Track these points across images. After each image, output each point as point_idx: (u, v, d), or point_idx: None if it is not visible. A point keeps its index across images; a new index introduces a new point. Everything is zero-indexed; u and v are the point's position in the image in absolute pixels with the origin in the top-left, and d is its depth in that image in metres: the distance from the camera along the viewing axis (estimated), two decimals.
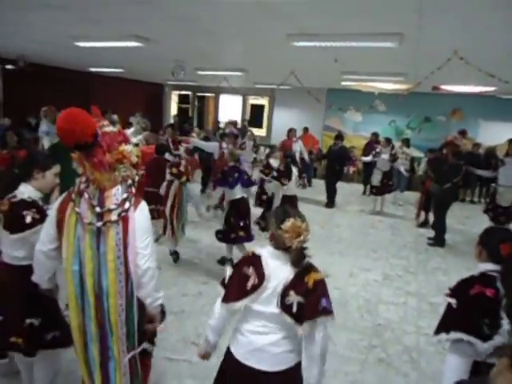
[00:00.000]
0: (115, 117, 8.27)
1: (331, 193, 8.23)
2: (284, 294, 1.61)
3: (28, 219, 2.05)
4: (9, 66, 8.89)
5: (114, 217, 1.66)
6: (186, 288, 4.08)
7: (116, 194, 1.70)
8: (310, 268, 1.68)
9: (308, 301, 1.59)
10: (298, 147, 8.15)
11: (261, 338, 1.67)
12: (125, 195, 1.71)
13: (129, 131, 5.74)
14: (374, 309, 3.96)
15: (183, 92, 15.47)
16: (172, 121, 11.90)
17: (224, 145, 6.28)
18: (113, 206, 1.67)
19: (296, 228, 1.64)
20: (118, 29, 4.87)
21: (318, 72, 7.69)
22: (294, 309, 1.59)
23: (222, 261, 4.65)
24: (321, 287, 1.63)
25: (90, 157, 1.67)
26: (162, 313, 1.96)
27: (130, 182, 1.76)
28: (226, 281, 1.79)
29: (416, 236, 6.57)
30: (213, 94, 14.77)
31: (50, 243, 1.77)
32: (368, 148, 9.33)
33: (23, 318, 2.12)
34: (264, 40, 5.05)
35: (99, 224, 1.65)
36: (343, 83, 8.80)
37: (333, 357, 3.10)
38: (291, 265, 1.66)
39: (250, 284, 1.65)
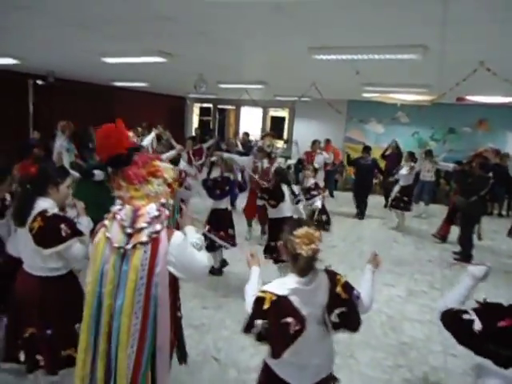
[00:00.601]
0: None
1: (364, 205, 8.26)
2: (328, 313, 1.64)
3: (63, 233, 2.11)
4: (39, 82, 9.25)
5: (143, 238, 1.61)
6: (206, 301, 4.06)
7: (149, 213, 1.66)
8: (333, 276, 1.70)
9: (348, 307, 1.66)
10: (321, 159, 8.05)
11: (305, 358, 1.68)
12: (157, 213, 1.66)
13: (146, 140, 5.84)
14: (399, 326, 3.84)
15: (205, 105, 15.72)
16: (193, 133, 12.07)
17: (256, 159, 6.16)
18: (144, 225, 1.63)
19: (309, 235, 1.60)
20: (143, 45, 5.00)
21: (338, 84, 7.67)
22: (337, 319, 1.63)
23: (212, 271, 4.55)
24: (349, 289, 1.69)
25: (124, 172, 1.71)
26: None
27: (163, 200, 1.73)
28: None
29: (441, 250, 6.38)
30: (234, 107, 14.93)
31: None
32: (390, 158, 9.19)
33: (43, 329, 2.17)
34: (285, 53, 5.08)
35: (128, 247, 1.61)
36: (364, 95, 8.73)
37: (355, 376, 3.02)
38: (297, 274, 1.63)
39: (292, 330, 1.57)
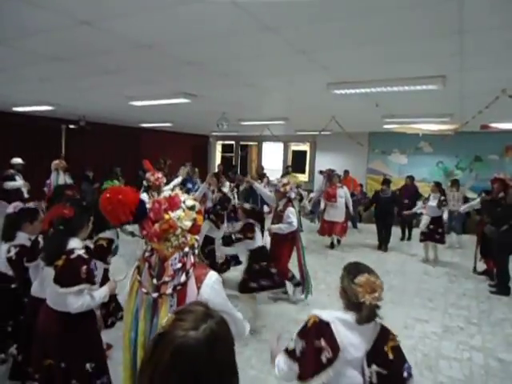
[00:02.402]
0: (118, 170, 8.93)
1: (386, 237, 8.10)
2: (368, 364, 1.55)
3: (82, 275, 2.19)
4: (71, 126, 9.80)
5: (168, 290, 1.58)
6: None
7: (172, 265, 1.61)
8: (387, 334, 1.63)
9: (392, 373, 1.54)
10: (342, 193, 8.02)
11: None
12: (178, 265, 1.60)
13: (175, 181, 5.96)
14: (435, 365, 3.62)
15: (227, 142, 16.12)
16: (216, 169, 12.32)
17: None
18: (167, 279, 1.59)
19: (370, 283, 1.59)
20: (168, 87, 5.26)
21: (359, 116, 7.74)
22: (374, 379, 1.52)
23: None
24: (400, 355, 1.58)
25: (142, 228, 1.67)
26: None
27: (186, 249, 1.66)
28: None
29: (476, 283, 6.07)
30: (255, 143, 15.23)
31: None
32: (404, 192, 9.07)
33: (59, 361, 2.22)
34: (305, 90, 5.22)
35: (155, 295, 1.59)
36: (385, 126, 8.76)
37: None
38: (358, 322, 1.59)
39: (324, 357, 1.54)
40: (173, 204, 1.66)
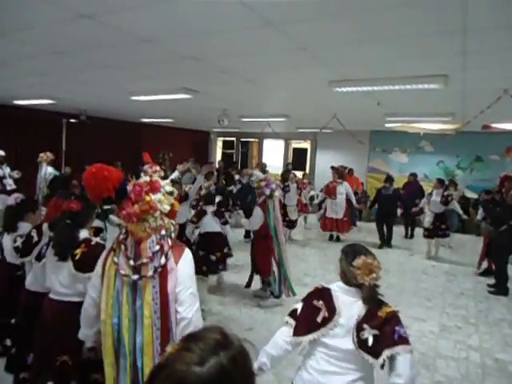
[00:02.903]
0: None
1: (388, 235, 8.11)
2: (358, 328, 1.60)
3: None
4: (72, 120, 9.79)
5: (149, 272, 1.63)
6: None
7: (150, 247, 1.67)
8: (382, 303, 1.68)
9: (383, 332, 1.58)
10: (342, 189, 8.03)
11: (333, 379, 1.59)
12: (156, 247, 1.67)
13: (172, 175, 5.98)
14: (432, 364, 3.63)
15: (228, 138, 16.09)
16: (217, 166, 12.31)
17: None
18: (145, 260, 1.65)
19: (368, 265, 1.65)
20: (169, 83, 5.24)
21: (360, 115, 7.73)
22: (370, 343, 1.56)
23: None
24: (394, 318, 1.63)
25: (120, 209, 1.70)
26: None
27: (163, 232, 1.72)
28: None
29: (474, 283, 6.09)
30: (256, 139, 15.21)
31: (97, 292, 1.80)
32: (407, 189, 9.09)
33: (75, 353, 2.21)
34: (306, 87, 5.21)
35: (135, 277, 1.63)
36: (387, 125, 8.75)
37: None
38: (363, 302, 1.65)
39: (320, 317, 1.64)
40: (154, 188, 1.72)
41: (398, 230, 9.61)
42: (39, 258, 2.50)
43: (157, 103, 7.03)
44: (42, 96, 7.23)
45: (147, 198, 1.68)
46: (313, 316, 1.66)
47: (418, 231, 8.69)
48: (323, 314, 1.64)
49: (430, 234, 7.24)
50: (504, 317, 4.81)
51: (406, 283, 5.89)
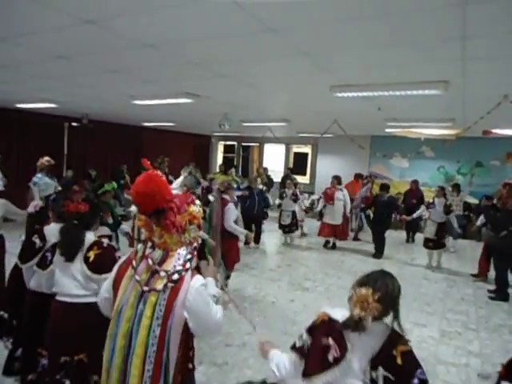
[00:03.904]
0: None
1: (380, 243, 7.86)
2: (372, 367, 1.49)
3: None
4: (74, 124, 9.82)
5: (159, 286, 1.58)
6: (230, 338, 3.99)
7: (179, 255, 1.64)
8: (397, 338, 1.56)
9: (400, 379, 1.46)
10: (341, 196, 8.04)
11: None
12: (188, 256, 1.66)
13: (175, 183, 5.98)
14: (432, 370, 3.61)
15: (229, 142, 16.14)
16: (218, 170, 12.33)
17: None
18: (176, 266, 1.60)
19: (364, 301, 1.53)
20: (171, 87, 5.27)
21: (361, 120, 7.76)
22: (380, 382, 1.47)
23: None
24: (411, 360, 1.51)
25: (161, 220, 1.63)
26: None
27: (195, 244, 1.72)
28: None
29: (474, 288, 6.08)
30: (257, 144, 15.24)
31: (108, 293, 1.79)
32: (410, 196, 9.10)
33: (84, 354, 2.24)
34: (307, 92, 5.23)
35: (145, 289, 1.59)
36: (388, 130, 8.77)
37: None
38: (344, 324, 1.56)
39: (331, 355, 1.50)
40: (191, 200, 1.74)
41: (400, 236, 9.63)
42: (45, 265, 2.47)
43: (158, 107, 7.07)
44: (45, 100, 7.27)
45: (190, 209, 1.68)
46: (323, 355, 1.52)
47: (419, 236, 8.69)
48: (334, 353, 1.50)
49: (432, 245, 7.08)
50: (505, 322, 4.80)
51: (405, 288, 5.81)
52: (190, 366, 1.80)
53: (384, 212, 7.81)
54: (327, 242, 8.29)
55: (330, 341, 1.52)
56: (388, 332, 1.58)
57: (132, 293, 1.63)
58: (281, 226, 8.31)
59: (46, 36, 3.23)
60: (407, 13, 2.37)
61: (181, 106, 6.79)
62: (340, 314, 1.61)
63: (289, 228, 8.13)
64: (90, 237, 2.40)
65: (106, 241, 2.41)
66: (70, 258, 2.32)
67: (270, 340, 1.91)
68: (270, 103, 6.62)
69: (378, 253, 7.80)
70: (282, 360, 1.68)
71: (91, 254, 2.28)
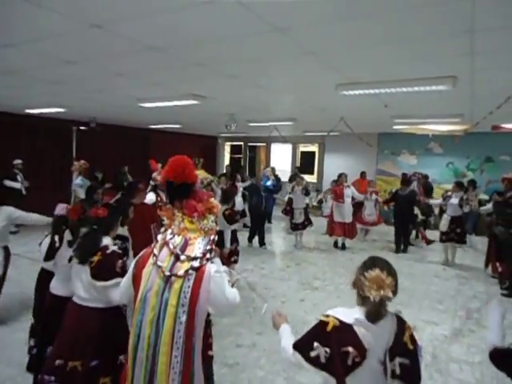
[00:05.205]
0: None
1: (405, 237, 8.00)
2: (390, 359, 1.54)
3: (117, 269, 2.27)
4: (82, 127, 9.93)
5: (181, 271, 1.64)
6: (241, 338, 3.99)
7: (199, 244, 1.72)
8: (403, 324, 1.62)
9: (412, 360, 1.57)
10: (349, 192, 8.00)
11: None
12: (209, 247, 1.72)
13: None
14: (445, 368, 3.58)
15: (235, 143, 16.15)
16: (225, 170, 12.36)
17: None
18: (197, 253, 1.68)
19: (379, 280, 1.53)
20: (178, 89, 5.29)
21: (368, 117, 7.71)
22: (398, 371, 1.54)
23: None
24: (415, 341, 1.61)
25: (184, 203, 1.77)
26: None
27: (212, 237, 1.79)
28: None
29: (487, 286, 6.00)
30: (264, 144, 15.23)
31: (127, 298, 1.83)
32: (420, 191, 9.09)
33: (90, 359, 2.24)
34: (314, 91, 5.22)
35: (167, 273, 1.64)
36: (395, 127, 8.70)
37: None
38: (366, 318, 1.56)
39: (350, 360, 1.51)
40: (209, 195, 1.90)
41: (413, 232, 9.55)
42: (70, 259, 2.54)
43: (165, 109, 7.10)
44: (53, 104, 7.35)
45: (210, 200, 1.83)
46: (343, 361, 1.52)
47: (429, 233, 8.61)
48: (353, 357, 1.51)
49: (446, 237, 7.04)
50: None
51: (417, 286, 5.83)
52: (210, 352, 1.89)
53: (408, 206, 7.83)
54: (336, 243, 8.23)
55: (350, 348, 1.51)
56: (395, 320, 1.62)
57: (155, 280, 1.66)
58: (294, 226, 8.13)
59: (54, 41, 3.27)
60: (414, 8, 2.35)
61: (188, 108, 6.81)
62: (344, 314, 1.61)
63: (302, 225, 8.07)
64: (105, 241, 2.41)
65: (114, 247, 2.39)
66: (82, 260, 2.34)
67: (283, 313, 2.02)
68: (276, 103, 6.61)
69: (405, 247, 7.99)
70: (286, 346, 1.70)
71: (95, 259, 2.30)
